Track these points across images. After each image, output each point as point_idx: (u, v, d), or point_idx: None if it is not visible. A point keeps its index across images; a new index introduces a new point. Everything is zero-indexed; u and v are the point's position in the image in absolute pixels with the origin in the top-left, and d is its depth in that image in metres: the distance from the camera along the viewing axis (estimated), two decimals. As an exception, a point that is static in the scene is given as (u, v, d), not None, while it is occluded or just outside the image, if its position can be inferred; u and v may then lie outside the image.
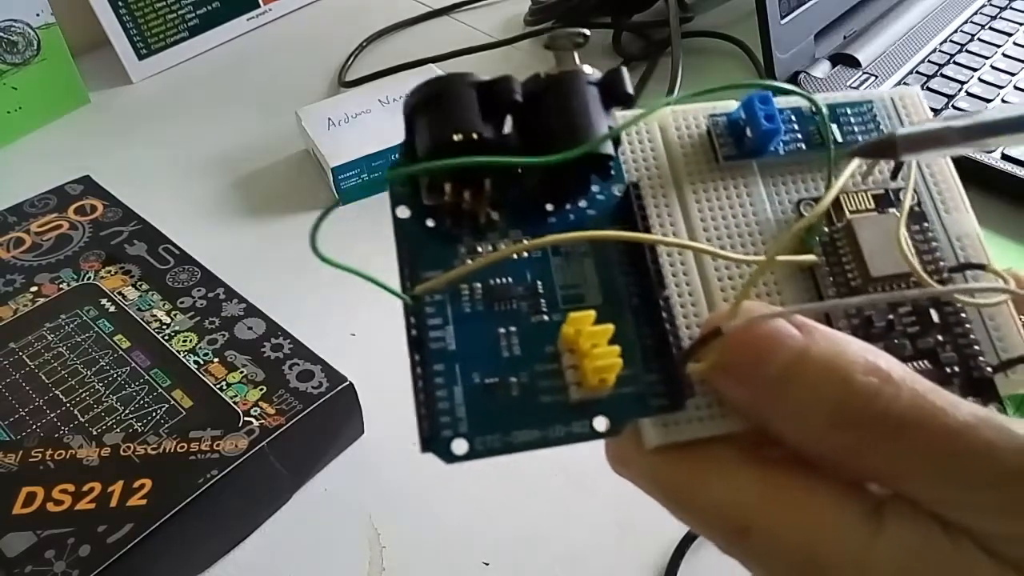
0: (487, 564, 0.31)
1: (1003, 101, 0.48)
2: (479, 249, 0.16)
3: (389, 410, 0.35)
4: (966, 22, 0.54)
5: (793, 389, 0.14)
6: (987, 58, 0.51)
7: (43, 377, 0.33)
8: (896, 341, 0.16)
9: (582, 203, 0.17)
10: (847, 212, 0.17)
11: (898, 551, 0.14)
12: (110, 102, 0.56)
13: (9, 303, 0.36)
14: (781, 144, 0.18)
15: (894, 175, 0.18)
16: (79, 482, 0.29)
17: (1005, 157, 0.43)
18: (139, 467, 0.29)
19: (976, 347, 0.17)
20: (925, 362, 0.16)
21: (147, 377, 0.33)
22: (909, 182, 0.18)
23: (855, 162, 0.17)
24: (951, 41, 0.52)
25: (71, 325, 0.35)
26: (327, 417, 0.33)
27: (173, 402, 0.32)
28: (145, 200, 0.42)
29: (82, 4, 0.54)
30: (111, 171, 0.45)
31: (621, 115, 0.16)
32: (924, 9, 0.55)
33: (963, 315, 0.17)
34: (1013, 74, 0.49)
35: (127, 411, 0.31)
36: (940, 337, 0.16)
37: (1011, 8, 0.55)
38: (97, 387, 0.32)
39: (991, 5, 0.56)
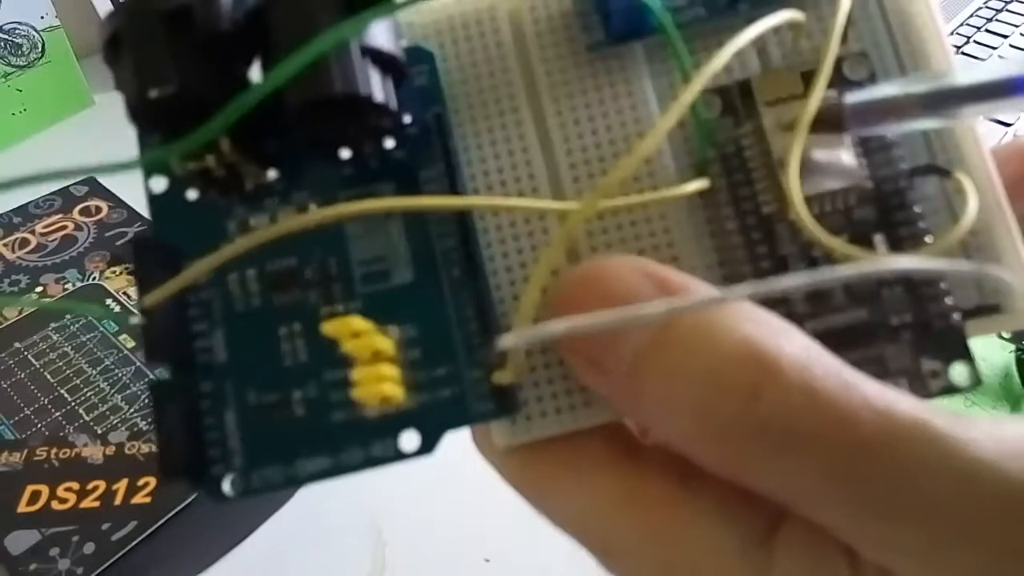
0: (488, 561, 0.31)
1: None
2: (252, 223, 0.13)
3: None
4: (962, 24, 0.55)
5: (651, 381, 0.10)
6: (983, 60, 0.51)
7: (48, 376, 0.33)
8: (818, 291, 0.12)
9: (389, 143, 0.13)
10: (759, 104, 0.12)
11: None
12: (114, 104, 0.56)
13: (14, 303, 0.36)
14: (669, 14, 0.12)
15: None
16: (84, 480, 0.29)
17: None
18: (143, 465, 0.30)
19: (941, 284, 0.11)
20: (862, 311, 0.12)
21: (152, 376, 0.33)
22: (834, 24, 0.11)
23: (770, 19, 0.12)
24: (949, 43, 0.53)
25: (76, 325, 0.35)
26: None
27: (177, 401, 0.32)
28: (149, 201, 0.42)
29: (86, 7, 0.55)
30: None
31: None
32: (922, 12, 0.56)
33: (920, 225, 0.12)
34: (1010, 76, 0.50)
35: (132, 410, 0.32)
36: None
37: (1007, 10, 0.55)
38: (102, 386, 0.33)
39: (987, 7, 0.56)
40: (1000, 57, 0.51)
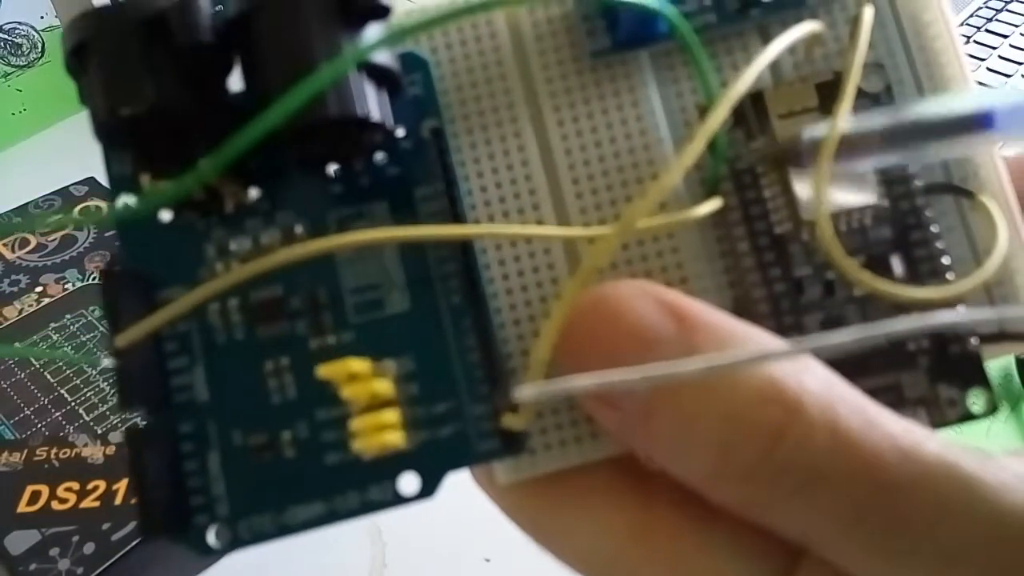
0: (488, 560, 0.31)
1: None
2: (232, 247, 0.12)
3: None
4: (962, 24, 0.55)
5: (667, 420, 0.10)
6: (983, 60, 0.51)
7: (48, 376, 0.33)
8: (827, 310, 0.11)
9: (379, 156, 0.12)
10: (772, 119, 0.11)
11: None
12: (113, 104, 0.56)
13: (14, 303, 0.36)
14: (677, 19, 0.11)
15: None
16: (83, 480, 0.29)
17: None
18: (143, 465, 0.30)
19: (959, 308, 0.11)
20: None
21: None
22: (856, 42, 0.11)
23: (791, 34, 0.11)
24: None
25: (76, 325, 0.35)
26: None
27: (177, 401, 0.32)
28: (148, 201, 0.42)
29: (86, 7, 0.55)
30: (115, 173, 0.45)
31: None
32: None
33: (937, 245, 0.11)
34: (1008, 76, 0.50)
35: (131, 410, 0.32)
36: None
37: (1007, 10, 0.55)
38: (102, 386, 0.33)
39: (987, 8, 0.56)
40: (1000, 57, 0.51)
